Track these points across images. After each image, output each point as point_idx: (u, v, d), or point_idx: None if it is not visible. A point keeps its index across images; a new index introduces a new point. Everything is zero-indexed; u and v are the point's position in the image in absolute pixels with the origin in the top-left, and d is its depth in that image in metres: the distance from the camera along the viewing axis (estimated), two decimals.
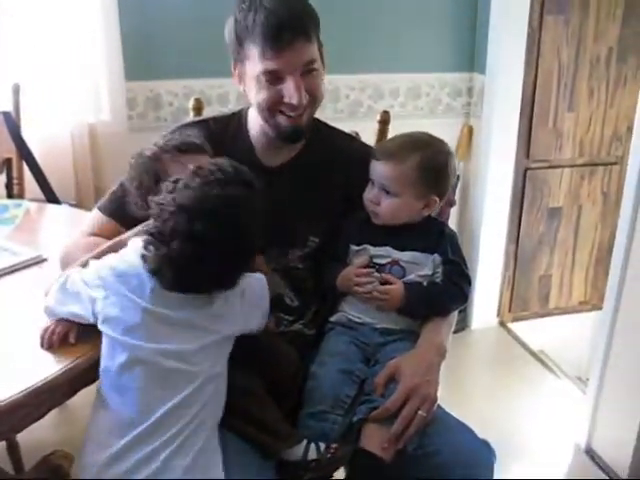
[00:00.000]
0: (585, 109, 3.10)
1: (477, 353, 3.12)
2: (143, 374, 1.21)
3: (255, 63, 1.42)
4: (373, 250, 1.52)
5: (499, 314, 3.37)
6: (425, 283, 1.50)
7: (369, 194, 1.52)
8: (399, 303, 1.47)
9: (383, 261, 1.50)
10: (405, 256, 1.50)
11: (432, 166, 1.50)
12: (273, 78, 1.43)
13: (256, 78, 1.44)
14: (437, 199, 1.52)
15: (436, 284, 1.50)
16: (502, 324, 3.38)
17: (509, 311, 3.37)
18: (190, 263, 1.20)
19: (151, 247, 1.21)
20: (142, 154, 1.42)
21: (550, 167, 3.16)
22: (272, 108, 1.47)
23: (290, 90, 1.43)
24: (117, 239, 1.42)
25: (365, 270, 1.50)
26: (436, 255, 1.51)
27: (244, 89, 1.52)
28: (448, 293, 1.52)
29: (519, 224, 3.22)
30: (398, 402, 1.37)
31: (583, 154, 3.18)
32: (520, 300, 3.36)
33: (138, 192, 1.41)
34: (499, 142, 3.04)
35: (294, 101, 1.44)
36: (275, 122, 1.49)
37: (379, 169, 1.50)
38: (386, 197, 1.49)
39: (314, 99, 1.49)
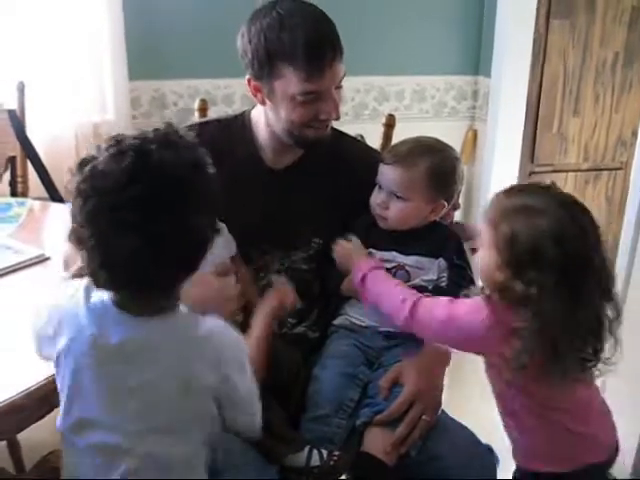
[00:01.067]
0: (590, 114, 3.10)
1: (476, 359, 3.10)
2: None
3: (292, 83, 1.40)
4: (378, 254, 1.51)
5: None
6: (430, 287, 1.49)
7: (377, 199, 1.51)
8: None
9: (388, 265, 1.49)
10: (410, 260, 1.49)
11: (441, 171, 1.50)
12: (311, 97, 1.42)
13: (290, 97, 1.42)
14: (445, 203, 1.52)
15: (441, 288, 1.49)
16: None
17: None
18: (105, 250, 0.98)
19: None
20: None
21: (554, 171, 3.15)
22: (305, 124, 1.46)
23: (329, 107, 1.44)
24: None
25: None
26: (441, 259, 1.50)
27: (266, 104, 1.49)
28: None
29: None
30: (403, 406, 1.37)
31: (588, 159, 3.17)
32: None
33: None
34: (504, 146, 3.03)
35: (333, 117, 1.46)
36: (301, 134, 1.48)
37: (388, 174, 1.49)
38: (395, 202, 1.49)
39: (338, 114, 1.49)
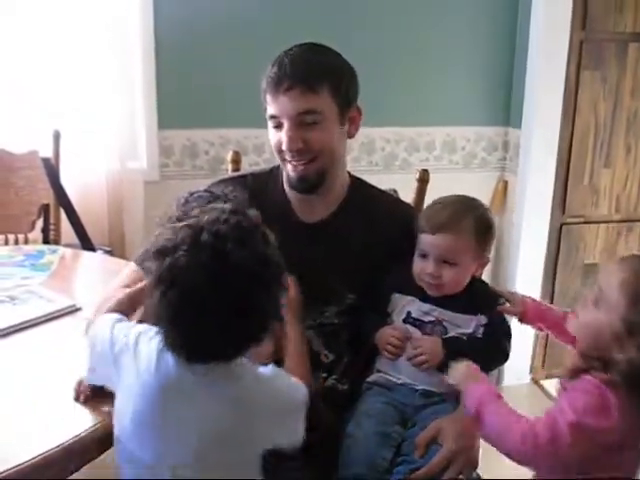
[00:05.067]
0: (622, 165, 3.07)
1: None
2: None
3: (266, 105, 1.48)
4: (418, 305, 1.50)
5: (532, 371, 3.30)
6: (465, 338, 1.48)
7: (426, 268, 1.48)
8: (439, 358, 1.44)
9: (426, 319, 1.48)
10: (448, 316, 1.48)
11: (484, 227, 1.50)
12: (276, 123, 1.47)
13: (268, 122, 1.49)
14: (488, 257, 1.52)
15: (477, 339, 1.47)
16: (535, 381, 3.31)
17: (542, 368, 3.30)
18: (177, 314, 1.07)
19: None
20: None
21: (586, 223, 3.12)
22: (279, 153, 1.50)
23: (283, 135, 1.46)
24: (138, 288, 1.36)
25: (398, 336, 1.48)
26: (481, 316, 1.48)
27: None
28: (490, 350, 1.48)
29: (554, 280, 3.17)
30: (441, 465, 1.34)
31: (619, 210, 3.14)
32: (553, 357, 3.28)
33: None
34: (534, 197, 3.01)
35: (284, 147, 1.47)
36: (286, 170, 1.53)
37: (435, 242, 1.47)
38: (447, 269, 1.47)
39: (314, 152, 1.48)
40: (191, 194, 1.39)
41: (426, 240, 1.48)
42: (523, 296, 1.56)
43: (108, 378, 1.20)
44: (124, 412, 1.14)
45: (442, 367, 1.42)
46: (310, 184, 1.52)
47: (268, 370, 1.18)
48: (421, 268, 1.49)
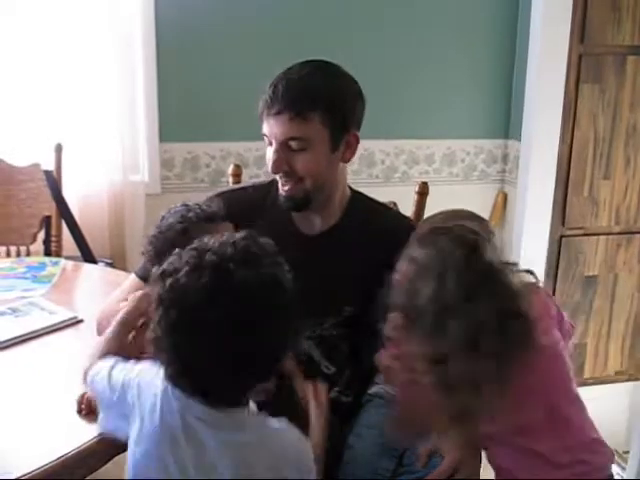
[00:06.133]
0: (621, 177, 3.08)
1: None
2: None
3: None
4: None
5: None
6: None
7: None
8: None
9: None
10: None
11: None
12: (268, 141, 1.49)
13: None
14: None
15: None
16: None
17: None
18: (177, 339, 1.02)
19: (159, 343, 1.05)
20: (172, 227, 1.40)
21: (585, 235, 3.12)
22: (272, 171, 1.51)
23: (272, 158, 1.48)
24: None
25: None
26: None
27: None
28: None
29: (554, 292, 3.16)
30: (445, 475, 1.34)
31: (619, 222, 3.14)
32: None
33: (159, 263, 1.40)
34: (534, 209, 3.01)
35: (268, 168, 1.49)
36: (280, 187, 1.54)
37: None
38: None
39: (299, 175, 1.49)
40: (168, 211, 1.45)
41: None
42: None
43: (118, 427, 1.15)
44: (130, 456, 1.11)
45: None
46: (296, 203, 1.53)
47: (277, 423, 1.11)
48: None
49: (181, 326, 1.01)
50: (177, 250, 1.08)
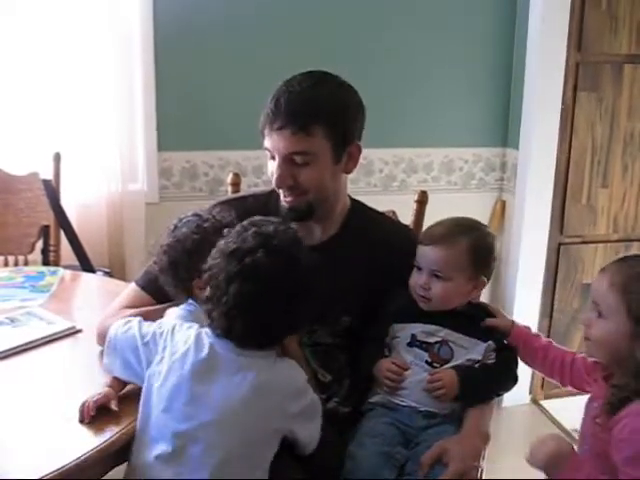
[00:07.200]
0: (619, 185, 3.09)
1: (509, 431, 3.03)
2: None
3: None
4: (421, 327, 1.49)
5: (531, 391, 3.29)
6: (477, 366, 1.48)
7: (418, 280, 1.50)
8: (455, 392, 1.44)
9: (432, 340, 1.48)
10: (454, 337, 1.48)
11: (481, 248, 1.50)
12: (270, 155, 1.49)
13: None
14: (485, 280, 1.52)
15: (489, 368, 1.48)
16: (534, 402, 3.29)
17: (541, 388, 3.29)
18: (253, 304, 1.25)
19: (212, 310, 1.28)
20: (188, 237, 1.43)
21: (584, 242, 3.13)
22: (275, 185, 1.51)
23: (276, 173, 1.47)
24: (148, 309, 1.48)
25: (395, 370, 1.47)
26: (491, 342, 1.49)
27: None
28: (501, 378, 1.51)
29: (552, 300, 3.17)
30: None
31: (617, 230, 3.15)
32: None
33: (173, 272, 1.44)
34: (532, 217, 3.02)
35: (273, 182, 1.49)
36: (282, 198, 1.53)
37: (428, 254, 1.49)
38: (437, 282, 1.47)
39: (304, 188, 1.49)
40: (180, 220, 1.49)
41: (420, 252, 1.50)
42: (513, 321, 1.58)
43: (129, 366, 1.35)
44: (159, 388, 1.28)
45: (457, 399, 1.45)
46: (299, 215, 1.53)
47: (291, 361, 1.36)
48: (414, 280, 1.51)
49: (257, 295, 1.25)
50: (237, 231, 1.31)
